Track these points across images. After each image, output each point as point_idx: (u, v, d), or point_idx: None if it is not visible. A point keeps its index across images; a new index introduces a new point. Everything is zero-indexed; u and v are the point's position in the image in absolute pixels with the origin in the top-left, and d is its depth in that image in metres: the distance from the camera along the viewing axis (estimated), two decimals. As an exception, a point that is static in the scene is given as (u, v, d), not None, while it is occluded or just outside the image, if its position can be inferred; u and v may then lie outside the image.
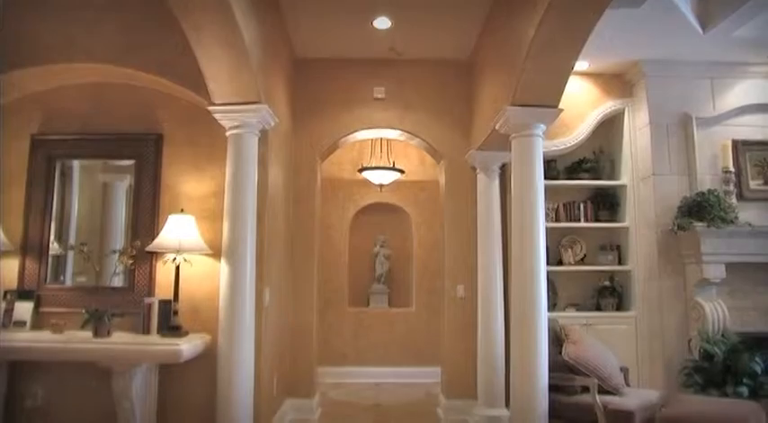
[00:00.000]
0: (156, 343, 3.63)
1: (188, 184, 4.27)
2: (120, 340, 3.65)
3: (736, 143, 5.21)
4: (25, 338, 3.69)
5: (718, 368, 4.48)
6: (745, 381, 4.36)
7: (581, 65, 5.24)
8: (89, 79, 4.30)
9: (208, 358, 3.84)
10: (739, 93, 5.31)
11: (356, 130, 5.53)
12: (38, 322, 4.03)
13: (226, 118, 3.86)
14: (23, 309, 4.01)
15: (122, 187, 4.42)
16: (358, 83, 5.54)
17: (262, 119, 3.92)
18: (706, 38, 4.68)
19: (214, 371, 3.69)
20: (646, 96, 5.33)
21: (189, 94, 4.05)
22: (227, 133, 3.87)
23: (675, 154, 5.24)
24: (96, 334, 3.68)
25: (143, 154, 4.26)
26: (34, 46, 3.97)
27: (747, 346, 4.56)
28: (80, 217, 4.43)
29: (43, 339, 3.66)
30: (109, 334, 3.71)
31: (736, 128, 5.28)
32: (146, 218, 4.20)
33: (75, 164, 4.42)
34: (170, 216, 4.02)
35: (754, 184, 5.21)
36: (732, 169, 5.11)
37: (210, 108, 3.86)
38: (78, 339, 3.62)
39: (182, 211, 4.09)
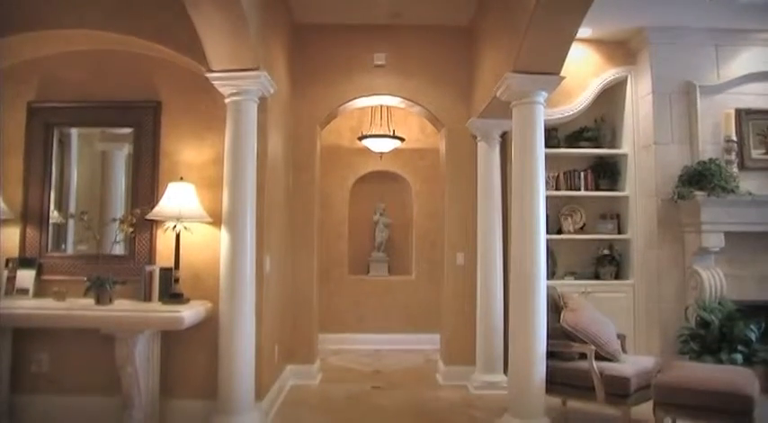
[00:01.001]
0: (157, 310, 3.66)
1: (187, 151, 4.24)
2: (122, 307, 3.68)
3: (739, 112, 5.17)
4: (29, 306, 3.72)
5: (713, 335, 4.54)
6: (739, 348, 4.42)
7: (583, 31, 5.16)
8: (85, 46, 4.23)
9: (209, 325, 3.88)
10: (744, 60, 5.24)
11: (356, 98, 5.48)
12: (40, 290, 4.06)
13: (224, 85, 3.82)
14: (25, 277, 4.03)
15: (121, 156, 4.40)
16: (358, 49, 5.47)
17: (261, 86, 3.88)
18: (712, 4, 4.61)
19: (216, 337, 3.74)
20: (649, 64, 5.27)
21: (187, 61, 3.99)
22: (226, 100, 3.84)
23: (677, 123, 5.20)
24: (98, 301, 3.71)
25: (141, 122, 4.23)
26: (26, 11, 3.90)
27: (743, 314, 4.61)
28: (80, 185, 4.42)
29: (46, 307, 3.68)
30: (111, 301, 3.73)
31: (739, 96, 5.23)
32: (145, 186, 4.19)
33: (74, 132, 4.40)
34: (169, 184, 4.01)
35: (756, 153, 5.18)
36: (734, 138, 5.08)
37: (209, 75, 3.82)
38: (81, 307, 3.65)
39: (181, 179, 4.08)
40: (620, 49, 5.53)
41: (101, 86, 4.27)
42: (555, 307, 4.12)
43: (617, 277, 5.57)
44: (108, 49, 4.25)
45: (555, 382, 3.83)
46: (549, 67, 3.79)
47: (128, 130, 4.29)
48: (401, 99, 5.52)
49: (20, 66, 4.27)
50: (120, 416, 3.71)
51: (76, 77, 4.27)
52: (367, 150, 6.92)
